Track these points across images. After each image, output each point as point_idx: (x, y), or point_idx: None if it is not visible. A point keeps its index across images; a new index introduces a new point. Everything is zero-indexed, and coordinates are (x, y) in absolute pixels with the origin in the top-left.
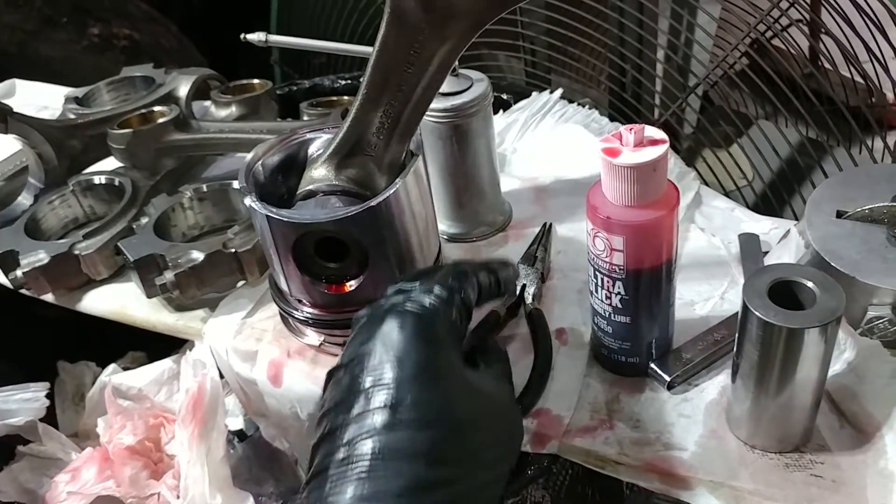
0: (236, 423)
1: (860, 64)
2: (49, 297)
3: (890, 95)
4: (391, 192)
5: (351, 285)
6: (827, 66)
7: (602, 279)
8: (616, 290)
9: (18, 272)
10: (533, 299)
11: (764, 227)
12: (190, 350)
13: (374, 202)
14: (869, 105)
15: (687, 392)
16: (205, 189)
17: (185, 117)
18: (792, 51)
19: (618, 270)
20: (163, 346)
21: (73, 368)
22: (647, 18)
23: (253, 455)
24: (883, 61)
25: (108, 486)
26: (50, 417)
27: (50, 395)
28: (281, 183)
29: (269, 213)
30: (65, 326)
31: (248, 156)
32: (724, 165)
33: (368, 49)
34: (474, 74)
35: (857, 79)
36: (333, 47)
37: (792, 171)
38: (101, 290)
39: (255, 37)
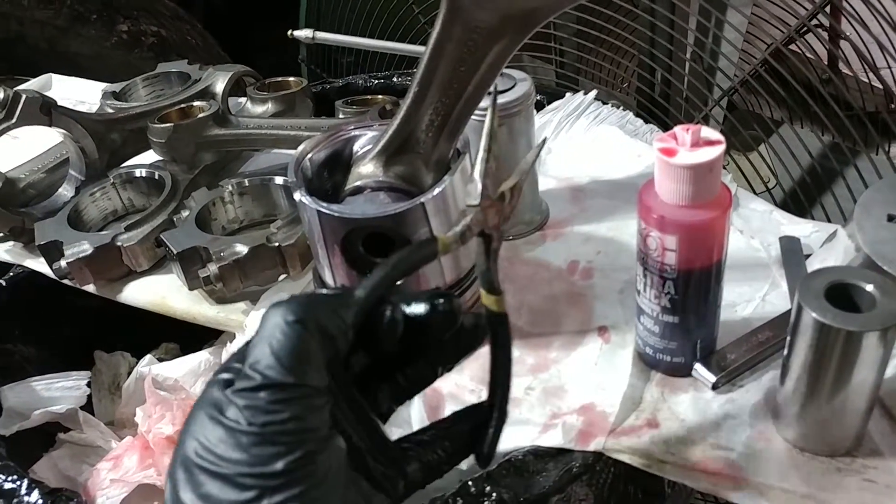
0: None
1: (878, 70)
2: (90, 288)
3: None
4: (440, 189)
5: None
6: (846, 71)
7: (652, 279)
8: (666, 290)
9: (63, 262)
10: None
11: (804, 230)
12: (230, 342)
13: (422, 199)
14: (890, 111)
15: (731, 393)
16: (246, 183)
17: (224, 113)
18: (812, 56)
19: (669, 270)
20: (195, 337)
21: (110, 358)
22: (678, 19)
23: None
24: None
25: (150, 475)
26: (87, 406)
27: (88, 384)
28: (326, 178)
29: (320, 208)
30: (100, 317)
31: (297, 151)
32: (753, 167)
33: (417, 48)
34: (517, 74)
35: (876, 84)
36: (382, 45)
37: (815, 175)
38: (142, 281)
39: (303, 34)
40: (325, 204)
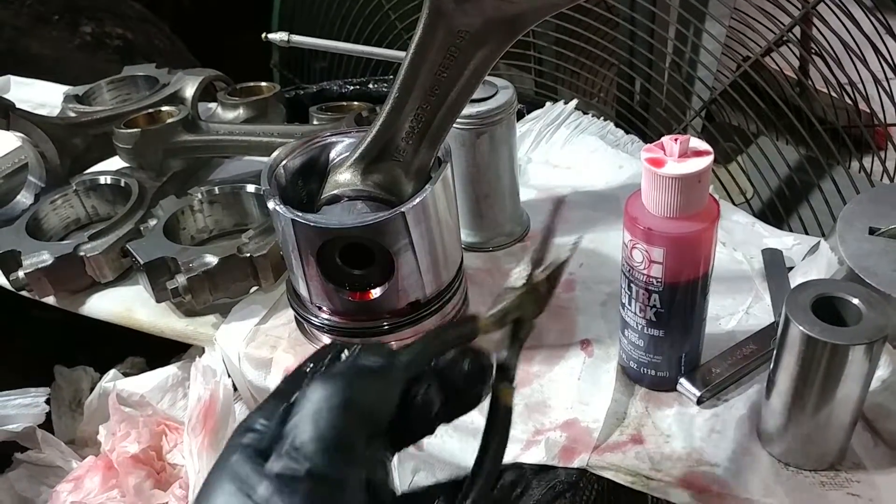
0: None
1: (850, 85)
2: (50, 300)
3: (881, 115)
4: (420, 198)
5: (375, 293)
6: (820, 86)
7: (637, 291)
8: (651, 303)
9: (20, 273)
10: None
11: (786, 242)
12: (199, 356)
13: (403, 208)
14: (857, 126)
15: (716, 407)
16: (216, 191)
17: (193, 118)
18: (785, 72)
19: (655, 283)
20: (163, 351)
21: (71, 373)
22: (658, 28)
23: None
24: (875, 81)
25: (113, 496)
26: (45, 423)
27: (47, 401)
28: (301, 186)
29: (295, 218)
30: (61, 330)
31: (271, 158)
32: (732, 178)
33: (395, 52)
34: (499, 82)
35: (847, 99)
36: (358, 49)
37: (793, 186)
38: (106, 293)
39: (278, 37)
40: (300, 213)
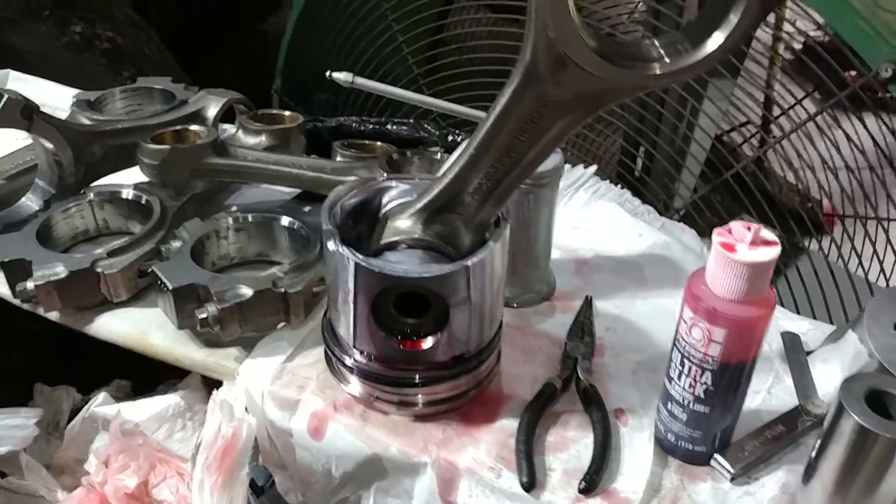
0: None
1: (799, 171)
2: (54, 315)
3: (826, 203)
4: (483, 254)
5: (427, 343)
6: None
7: (690, 368)
8: (703, 380)
9: (29, 284)
10: (585, 373)
11: (802, 326)
12: (207, 388)
13: (468, 262)
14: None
15: (748, 485)
16: (249, 219)
17: (222, 141)
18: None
19: (710, 361)
20: (150, 376)
21: (51, 393)
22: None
23: None
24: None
25: None
26: None
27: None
28: (351, 227)
29: (359, 262)
30: (42, 345)
31: (330, 196)
32: None
33: (470, 111)
34: None
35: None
36: (432, 103)
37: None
38: (118, 312)
39: (342, 76)
40: (362, 257)
